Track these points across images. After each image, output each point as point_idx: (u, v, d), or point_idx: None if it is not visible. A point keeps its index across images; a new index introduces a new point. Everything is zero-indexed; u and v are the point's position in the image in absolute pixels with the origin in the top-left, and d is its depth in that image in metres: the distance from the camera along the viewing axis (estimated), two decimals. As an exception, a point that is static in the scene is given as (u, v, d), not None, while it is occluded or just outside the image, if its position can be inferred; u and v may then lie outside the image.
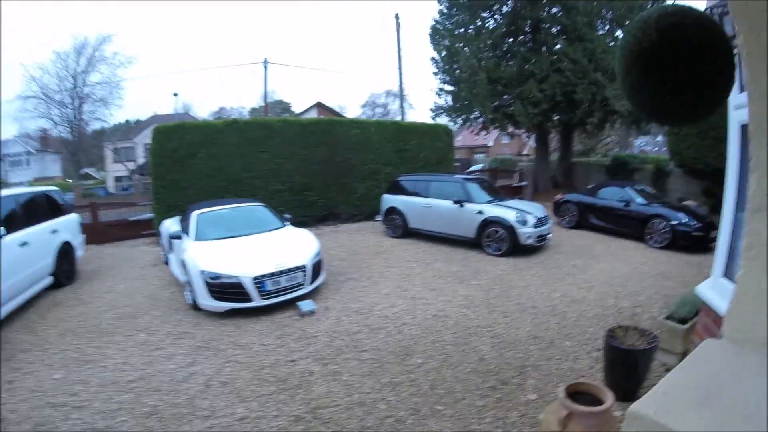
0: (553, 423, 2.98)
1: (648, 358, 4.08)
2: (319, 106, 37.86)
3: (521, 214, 9.54)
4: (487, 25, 20.04)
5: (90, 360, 5.37)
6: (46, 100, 41.51)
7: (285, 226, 8.35)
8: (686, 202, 13.28)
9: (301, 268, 6.84)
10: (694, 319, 4.62)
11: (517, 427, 3.73)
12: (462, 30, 20.41)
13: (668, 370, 4.58)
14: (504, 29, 19.22)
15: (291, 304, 6.62)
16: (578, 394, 3.24)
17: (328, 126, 14.34)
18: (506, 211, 9.65)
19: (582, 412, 2.92)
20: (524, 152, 45.53)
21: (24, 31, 72.86)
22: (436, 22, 21.47)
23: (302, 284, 6.83)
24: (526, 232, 9.38)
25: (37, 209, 8.30)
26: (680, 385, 1.81)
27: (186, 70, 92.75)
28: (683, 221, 10.11)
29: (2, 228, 6.54)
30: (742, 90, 3.24)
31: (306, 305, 6.46)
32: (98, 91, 43.13)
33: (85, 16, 75.31)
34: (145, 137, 38.68)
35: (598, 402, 3.08)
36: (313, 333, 5.75)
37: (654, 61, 1.63)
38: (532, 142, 30.92)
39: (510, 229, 9.41)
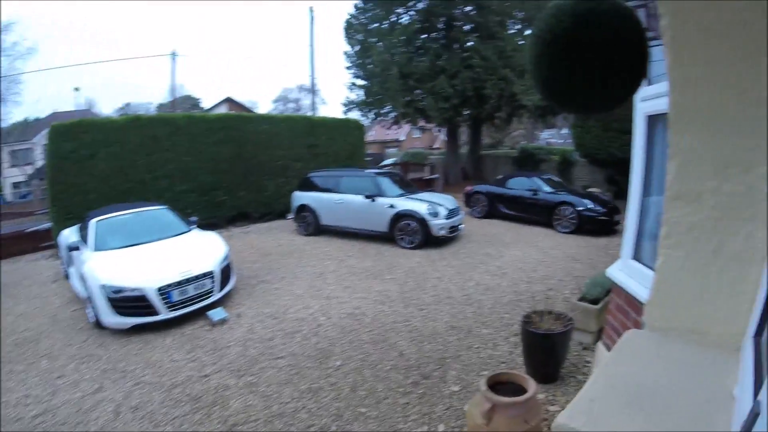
0: (478, 416, 2.94)
1: (565, 340, 4.19)
2: (230, 101, 36.40)
3: (433, 206, 9.64)
4: (401, 20, 20.25)
5: None
6: None
7: (191, 230, 7.83)
8: (591, 190, 14.27)
9: (209, 275, 6.43)
10: (605, 299, 4.85)
11: (444, 420, 3.69)
12: (376, 25, 20.56)
13: (585, 348, 4.79)
14: (418, 25, 19.52)
15: (201, 313, 6.20)
16: (501, 384, 3.24)
17: (236, 122, 13.71)
18: (418, 204, 9.71)
19: (505, 403, 2.90)
20: (435, 146, 46.45)
21: None
22: (351, 16, 21.44)
23: (211, 291, 6.42)
24: (438, 224, 9.49)
25: None
26: (607, 387, 1.68)
27: (89, 62, 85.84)
28: (589, 207, 10.73)
29: None
30: (649, 83, 3.36)
31: (217, 314, 6.07)
32: None
33: None
34: (44, 137, 35.63)
35: (522, 390, 3.09)
36: (226, 343, 5.41)
37: (567, 49, 1.58)
38: (443, 136, 31.60)
39: (422, 221, 9.47)
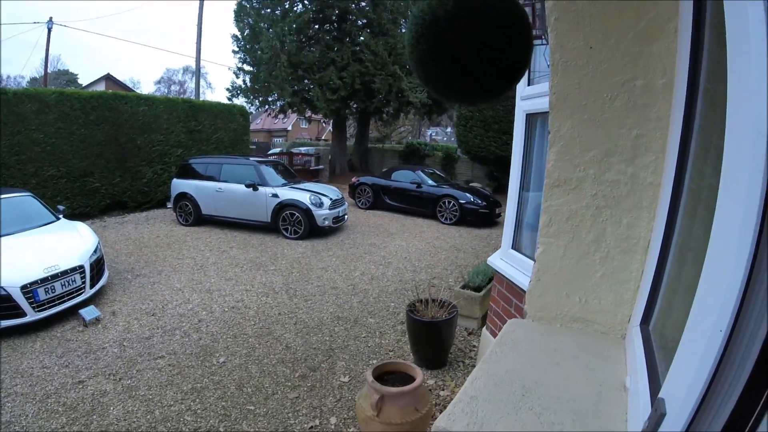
0: (368, 408, 2.93)
1: (451, 327, 4.33)
2: (109, 78, 33.13)
3: (316, 196, 9.59)
4: (295, 8, 19.80)
5: None
6: None
7: (58, 219, 7.02)
8: (473, 184, 15.12)
9: (79, 269, 5.79)
10: (488, 286, 5.11)
11: (335, 413, 3.64)
12: (269, 10, 19.89)
13: (471, 333, 4.97)
14: (311, 15, 19.19)
15: (72, 312, 5.57)
16: (388, 373, 3.25)
17: (112, 101, 12.30)
18: (301, 194, 9.61)
19: (393, 393, 2.91)
20: (323, 137, 46.27)
21: None
22: None
23: (82, 288, 5.78)
24: (322, 214, 9.45)
25: None
26: (491, 384, 1.49)
27: None
28: (471, 200, 11.33)
29: None
30: (529, 83, 3.51)
31: (89, 312, 5.48)
32: None
33: None
34: None
35: (410, 379, 3.11)
36: (101, 344, 4.90)
37: (447, 32, 1.45)
38: (330, 128, 31.52)
39: (306, 211, 9.38)
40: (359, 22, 19.87)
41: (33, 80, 48.36)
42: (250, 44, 20.69)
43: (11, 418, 3.74)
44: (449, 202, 11.49)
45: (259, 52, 19.96)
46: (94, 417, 3.67)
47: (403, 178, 12.87)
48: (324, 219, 9.44)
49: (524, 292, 2.44)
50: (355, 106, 21.21)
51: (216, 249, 8.68)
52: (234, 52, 21.67)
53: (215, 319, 5.47)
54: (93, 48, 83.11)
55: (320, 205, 9.45)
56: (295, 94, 19.77)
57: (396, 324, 5.25)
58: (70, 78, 49.58)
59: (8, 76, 52.21)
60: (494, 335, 3.69)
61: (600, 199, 1.84)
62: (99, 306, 5.76)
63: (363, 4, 19.64)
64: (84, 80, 46.74)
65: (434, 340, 4.27)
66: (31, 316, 5.17)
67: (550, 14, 1.78)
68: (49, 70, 27.67)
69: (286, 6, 19.83)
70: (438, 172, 13.95)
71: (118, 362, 4.51)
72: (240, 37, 21.07)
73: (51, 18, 24.67)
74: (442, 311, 4.31)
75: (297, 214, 9.42)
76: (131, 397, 3.92)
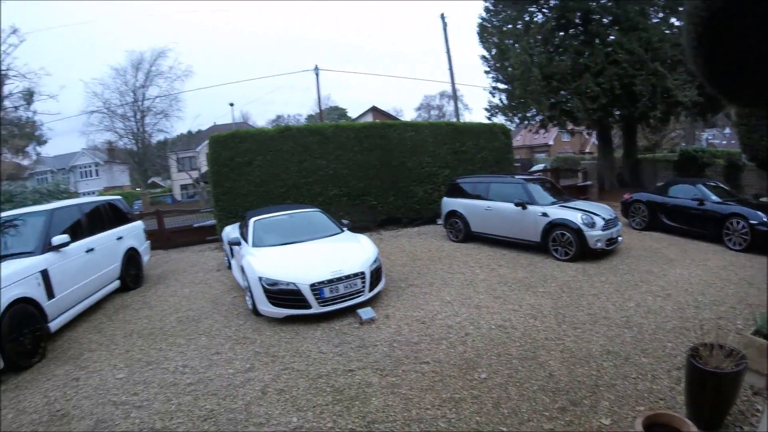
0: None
1: (736, 382, 3.65)
2: (375, 110, 37.55)
3: (588, 215, 9.13)
4: (535, 19, 19.31)
5: (152, 361, 5.58)
6: (109, 114, 44.77)
7: (343, 231, 8.32)
8: (764, 199, 12.42)
9: (360, 275, 6.76)
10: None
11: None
12: (510, 26, 19.82)
13: (756, 393, 4.20)
14: (553, 23, 18.45)
15: (351, 311, 6.56)
16: (657, 425, 3.00)
17: (381, 129, 14.25)
18: (572, 213, 9.25)
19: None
20: (586, 150, 44.18)
21: (80, 50, 78.79)
22: (483, 19, 20.87)
23: (361, 291, 6.75)
24: (595, 235, 8.94)
25: (102, 218, 8.85)
26: None
27: (240, 80, 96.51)
28: (764, 221, 9.20)
29: (66, 236, 7.00)
30: None
31: (366, 313, 6.39)
32: (158, 104, 45.99)
33: (137, 33, 79.16)
34: (206, 147, 40.45)
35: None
36: (373, 342, 5.63)
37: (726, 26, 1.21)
38: (594, 139, 29.89)
39: (577, 232, 8.98)
40: (604, 21, 17.99)
41: (309, 117, 57.39)
42: (499, 62, 20.70)
43: (284, 387, 4.61)
44: (738, 223, 9.58)
45: (509, 69, 19.77)
46: (357, 403, 4.23)
47: (682, 193, 11.23)
48: (597, 240, 8.97)
49: None
50: (618, 113, 19.24)
51: (485, 266, 9.02)
52: (486, 72, 21.91)
53: (481, 335, 5.70)
54: (353, 84, 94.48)
55: (592, 225, 9.03)
56: (553, 107, 19.11)
57: (671, 369, 4.64)
58: (340, 113, 57.60)
59: (288, 115, 63.40)
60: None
61: None
62: (374, 308, 6.64)
63: (603, 0, 17.78)
64: (353, 113, 53.60)
65: (715, 394, 3.62)
66: (316, 309, 6.34)
67: None
68: (322, 107, 32.61)
69: (526, 18, 19.33)
70: (722, 185, 11.84)
71: (386, 360, 5.10)
72: (488, 56, 21.24)
73: (316, 65, 29.44)
74: (728, 361, 3.65)
75: (567, 234, 9.15)
76: (393, 393, 4.39)
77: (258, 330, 6.27)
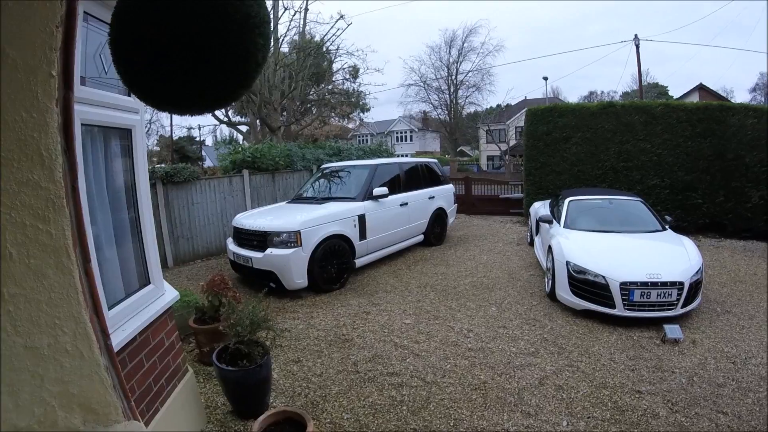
0: None
1: None
2: (702, 89, 31.46)
3: None
4: None
5: (440, 317, 5.91)
6: (425, 87, 50.42)
7: (665, 230, 7.13)
8: None
9: (678, 285, 5.60)
10: None
11: None
12: None
13: None
14: None
15: (655, 324, 5.57)
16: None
17: (717, 112, 11.32)
18: None
19: None
20: None
21: (398, 31, 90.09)
22: None
23: (674, 305, 5.62)
24: None
25: (418, 177, 9.89)
26: None
27: (552, 54, 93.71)
28: None
29: (385, 188, 8.25)
30: None
31: (673, 331, 5.28)
32: (470, 78, 49.89)
33: (450, 12, 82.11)
34: (516, 121, 41.84)
35: None
36: (671, 367, 4.63)
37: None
38: None
39: None
40: None
41: (625, 94, 52.09)
42: None
43: (564, 385, 4.27)
44: None
45: None
46: (636, 430, 3.57)
47: None
48: None
49: None
50: None
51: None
52: None
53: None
54: (672, 57, 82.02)
55: None
56: None
57: None
58: (660, 90, 50.64)
59: (602, 92, 59.04)
60: None
61: None
62: (683, 328, 5.44)
63: None
64: (674, 92, 46.68)
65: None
66: (620, 311, 5.62)
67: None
68: (641, 83, 29.14)
69: None
70: None
71: (681, 393, 4.13)
72: None
73: (636, 35, 25.89)
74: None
75: None
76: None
77: (549, 316, 5.95)
